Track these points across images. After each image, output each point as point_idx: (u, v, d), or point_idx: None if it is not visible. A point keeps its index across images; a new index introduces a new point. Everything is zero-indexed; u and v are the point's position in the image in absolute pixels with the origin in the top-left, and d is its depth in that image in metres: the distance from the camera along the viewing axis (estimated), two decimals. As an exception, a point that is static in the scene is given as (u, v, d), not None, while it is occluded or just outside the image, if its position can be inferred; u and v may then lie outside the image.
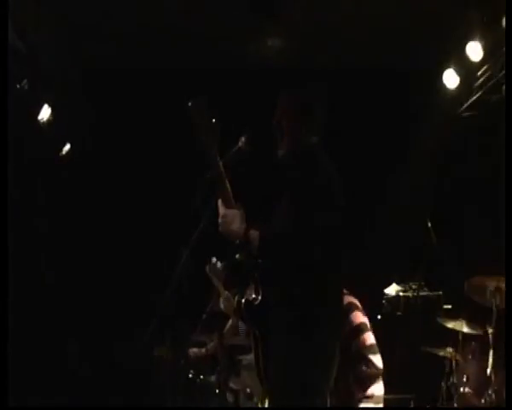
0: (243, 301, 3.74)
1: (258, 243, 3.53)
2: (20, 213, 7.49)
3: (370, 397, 5.22)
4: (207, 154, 3.51)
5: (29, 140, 7.06)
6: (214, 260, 5.57)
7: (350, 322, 5.29)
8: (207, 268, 5.46)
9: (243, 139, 3.74)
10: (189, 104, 3.40)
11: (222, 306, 5.93)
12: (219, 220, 3.61)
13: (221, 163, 3.56)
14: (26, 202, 7.58)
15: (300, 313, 3.55)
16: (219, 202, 3.62)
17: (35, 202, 7.78)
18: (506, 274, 4.38)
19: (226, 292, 5.72)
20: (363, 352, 5.22)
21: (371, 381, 5.20)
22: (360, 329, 5.30)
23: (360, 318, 5.36)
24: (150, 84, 8.15)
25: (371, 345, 5.29)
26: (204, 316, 5.83)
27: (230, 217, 3.59)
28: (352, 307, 5.37)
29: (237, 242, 3.59)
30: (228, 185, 3.61)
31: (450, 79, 7.76)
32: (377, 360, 5.24)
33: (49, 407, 6.50)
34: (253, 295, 3.75)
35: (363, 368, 5.17)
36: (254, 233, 3.55)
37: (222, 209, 3.62)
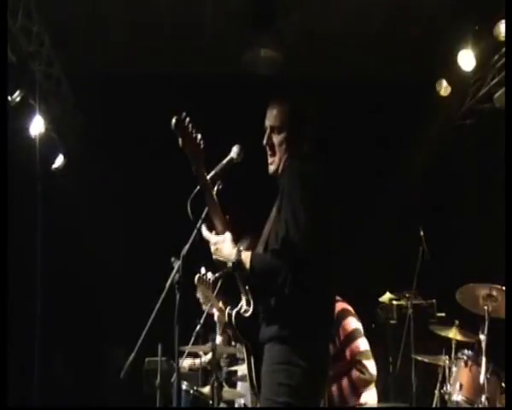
0: (234, 312, 3.75)
1: (249, 264, 3.56)
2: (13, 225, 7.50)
3: (364, 404, 5.22)
4: (194, 171, 3.54)
5: (21, 152, 7.05)
6: (203, 270, 5.61)
7: (343, 328, 5.29)
8: (196, 279, 5.47)
9: (235, 149, 3.76)
10: (172, 123, 3.42)
11: (216, 317, 5.96)
12: (212, 248, 3.67)
13: (208, 178, 3.58)
14: (19, 214, 7.58)
15: (291, 325, 3.56)
16: (207, 232, 3.66)
17: (29, 214, 7.76)
18: (506, 274, 4.39)
19: (220, 303, 5.74)
20: (357, 358, 5.21)
21: (365, 386, 5.21)
22: (354, 335, 5.30)
23: (353, 324, 5.36)
24: (142, 91, 8.16)
25: (365, 350, 5.28)
26: (197, 327, 5.84)
27: (221, 243, 3.65)
28: (345, 314, 5.37)
29: (230, 264, 3.63)
30: (216, 200, 3.64)
31: (443, 88, 7.81)
32: (371, 365, 5.24)
33: (49, 407, 6.47)
34: (245, 307, 3.76)
35: (358, 374, 5.17)
36: (246, 255, 3.59)
37: (212, 237, 3.67)
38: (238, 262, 3.59)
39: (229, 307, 3.79)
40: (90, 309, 8.30)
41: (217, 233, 3.70)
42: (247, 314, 3.73)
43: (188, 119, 3.42)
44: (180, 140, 3.44)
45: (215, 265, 3.85)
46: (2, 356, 3.97)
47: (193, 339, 5.83)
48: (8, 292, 4.28)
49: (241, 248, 3.63)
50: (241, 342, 3.83)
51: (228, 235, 3.66)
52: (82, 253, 8.29)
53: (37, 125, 7.14)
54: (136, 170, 8.47)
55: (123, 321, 7.85)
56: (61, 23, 7.23)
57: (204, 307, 5.86)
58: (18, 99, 6.75)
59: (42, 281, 7.42)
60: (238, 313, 3.74)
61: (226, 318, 3.79)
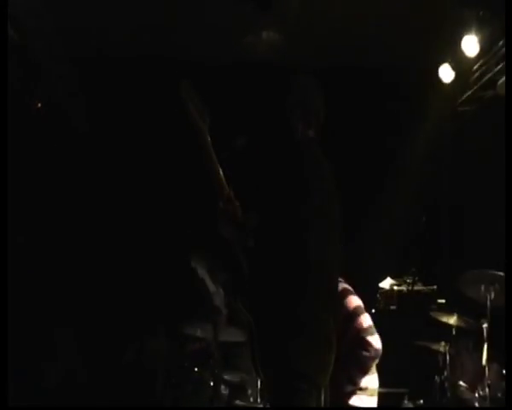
0: (237, 283, 3.74)
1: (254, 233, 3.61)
2: (16, 209, 7.49)
3: (364, 389, 5.23)
4: (198, 134, 3.53)
5: (23, 134, 7.03)
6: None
7: (345, 307, 5.30)
8: (192, 262, 5.49)
9: (240, 138, 3.77)
10: (179, 87, 3.41)
11: (213, 300, 5.98)
12: (219, 222, 3.70)
13: (211, 146, 3.58)
14: (23, 197, 7.56)
15: (291, 302, 3.56)
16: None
17: (32, 198, 7.75)
18: (506, 273, 4.41)
19: (214, 286, 5.77)
20: (361, 334, 5.22)
21: (372, 363, 5.22)
22: (356, 312, 5.31)
23: (355, 301, 5.37)
24: (144, 75, 8.12)
25: (368, 326, 5.30)
26: (198, 309, 5.85)
27: (229, 216, 3.69)
28: (345, 293, 5.39)
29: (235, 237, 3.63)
30: (220, 169, 3.64)
31: (446, 74, 7.77)
32: (375, 340, 5.25)
33: (50, 407, 6.45)
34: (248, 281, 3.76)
35: (364, 352, 5.18)
36: (250, 222, 3.59)
37: (221, 212, 3.70)
38: (243, 230, 3.63)
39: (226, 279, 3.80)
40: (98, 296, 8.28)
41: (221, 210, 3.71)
42: (249, 288, 3.73)
43: (192, 85, 3.43)
44: (185, 106, 3.44)
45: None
46: (3, 356, 3.95)
47: (194, 320, 5.86)
48: (8, 289, 4.25)
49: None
50: (244, 315, 3.81)
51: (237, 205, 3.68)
52: (88, 240, 8.26)
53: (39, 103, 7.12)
54: (140, 153, 8.43)
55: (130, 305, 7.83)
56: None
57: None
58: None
59: (48, 262, 7.45)
60: (239, 283, 3.74)
61: (231, 287, 3.77)
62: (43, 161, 7.70)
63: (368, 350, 5.20)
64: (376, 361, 5.30)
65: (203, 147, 3.55)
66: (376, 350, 5.24)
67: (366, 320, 5.33)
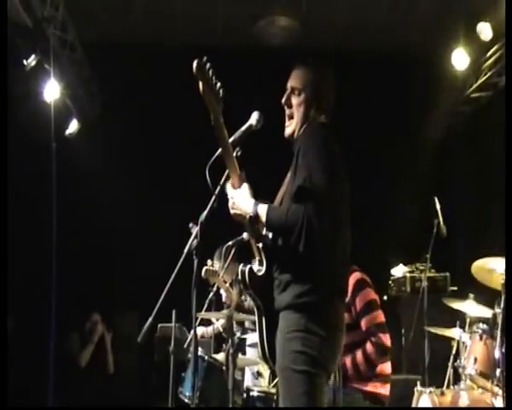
0: (247, 269, 3.73)
1: (266, 216, 3.58)
2: (25, 194, 7.50)
3: (379, 375, 5.22)
4: (212, 115, 3.52)
5: (36, 117, 7.02)
6: (210, 262, 5.76)
7: (360, 299, 5.27)
8: (203, 272, 5.60)
9: (254, 116, 3.77)
10: (194, 66, 3.39)
11: (223, 298, 6.02)
12: (229, 203, 3.70)
13: (224, 127, 3.57)
14: (31, 181, 7.57)
15: (307, 292, 3.55)
16: (228, 185, 3.66)
17: (40, 181, 7.74)
18: (506, 272, 4.39)
19: (227, 284, 5.81)
20: (372, 329, 5.20)
21: (380, 359, 5.20)
22: (371, 306, 5.28)
23: (371, 295, 5.35)
24: (158, 60, 8.12)
25: (381, 323, 5.27)
26: (210, 295, 5.86)
27: (239, 196, 3.66)
28: (363, 284, 5.36)
29: (247, 218, 3.62)
30: (231, 151, 3.63)
31: (460, 59, 7.72)
32: (386, 338, 5.23)
33: (50, 407, 6.44)
34: (258, 267, 3.75)
35: (372, 347, 5.16)
36: (263, 208, 3.58)
37: (230, 191, 3.70)
38: (255, 214, 3.61)
39: (242, 264, 3.78)
40: (106, 275, 8.30)
41: (234, 188, 3.71)
42: (260, 273, 3.72)
43: (209, 64, 3.41)
44: (200, 85, 3.42)
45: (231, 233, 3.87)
46: (3, 356, 3.95)
47: (206, 306, 5.86)
48: (8, 287, 4.25)
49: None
50: (254, 301, 3.79)
51: (245, 188, 3.69)
52: (96, 219, 8.27)
53: (51, 90, 7.10)
54: (151, 136, 8.43)
55: (138, 288, 7.85)
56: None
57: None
58: (33, 63, 6.72)
59: (56, 247, 7.43)
60: (251, 270, 3.73)
61: (239, 275, 3.76)
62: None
63: (377, 346, 5.18)
64: (385, 356, 5.28)
65: (216, 128, 3.54)
66: (385, 347, 5.22)
67: (380, 316, 5.32)
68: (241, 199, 3.67)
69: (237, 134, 3.73)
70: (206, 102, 3.47)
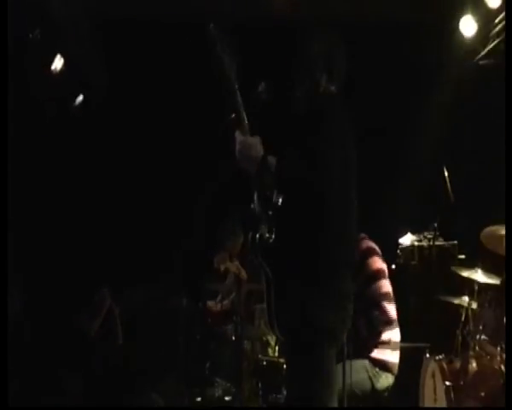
0: (258, 236, 3.71)
1: (275, 168, 3.54)
2: (31, 166, 7.51)
3: (387, 343, 5.24)
4: (226, 78, 3.51)
5: (41, 90, 7.02)
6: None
7: (367, 267, 5.28)
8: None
9: (262, 85, 3.75)
10: (211, 26, 3.41)
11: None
12: (237, 147, 3.61)
13: (238, 92, 3.56)
14: (36, 154, 7.57)
15: (314, 254, 3.55)
16: (237, 131, 3.62)
17: (46, 154, 7.76)
18: (506, 271, 4.38)
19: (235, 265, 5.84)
20: (377, 298, 5.21)
21: (382, 328, 5.21)
22: (377, 275, 5.29)
23: (378, 263, 5.35)
24: (165, 35, 8.06)
25: (386, 292, 5.28)
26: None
27: (249, 143, 3.60)
28: (370, 252, 5.37)
29: (255, 169, 3.58)
30: (244, 116, 3.61)
31: (468, 26, 7.66)
32: (391, 308, 5.24)
33: (49, 407, 6.47)
34: (267, 234, 3.73)
35: (376, 314, 5.17)
36: (272, 159, 3.56)
37: (240, 137, 3.63)
38: (264, 164, 3.54)
39: (252, 232, 3.76)
40: (116, 249, 8.31)
41: None
42: (270, 241, 3.71)
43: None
44: (215, 46, 3.43)
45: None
46: (3, 356, 3.97)
47: (214, 275, 5.91)
48: (8, 286, 4.26)
49: None
50: (263, 269, 3.79)
51: (257, 138, 3.62)
52: (103, 194, 8.28)
53: (57, 64, 7.09)
54: (158, 109, 8.40)
55: (148, 262, 7.87)
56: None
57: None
58: (39, 37, 6.70)
59: (65, 220, 7.48)
60: (262, 237, 3.71)
61: (249, 241, 3.74)
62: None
63: (381, 315, 5.19)
64: (390, 326, 5.29)
65: (229, 94, 3.53)
66: (390, 317, 5.23)
67: (385, 286, 5.32)
68: (251, 145, 3.60)
69: (246, 103, 3.72)
70: (221, 64, 3.47)
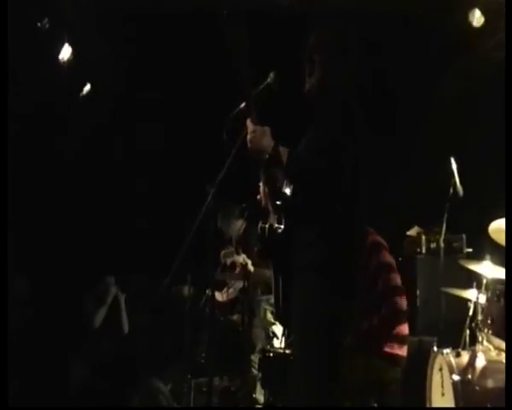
0: (267, 226, 3.70)
1: (286, 158, 3.53)
2: (38, 154, 7.51)
3: (396, 336, 5.23)
4: (238, 63, 3.50)
5: (49, 79, 7.01)
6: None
7: (376, 261, 5.27)
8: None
9: (272, 75, 3.75)
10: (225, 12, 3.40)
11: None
12: (249, 136, 3.60)
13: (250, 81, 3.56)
14: (43, 143, 7.57)
15: (323, 244, 3.53)
16: (248, 120, 3.61)
17: (53, 143, 7.76)
18: (506, 273, 4.37)
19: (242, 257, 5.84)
20: (387, 292, 5.20)
21: (395, 321, 5.20)
22: (386, 268, 5.28)
23: (386, 257, 5.34)
24: (172, 25, 8.04)
25: (396, 286, 5.27)
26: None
27: (260, 132, 3.59)
28: (378, 246, 5.35)
29: (265, 156, 3.57)
30: (255, 106, 3.61)
31: (476, 18, 7.63)
32: (401, 301, 5.23)
33: (49, 407, 6.49)
34: (276, 225, 3.72)
35: (388, 309, 5.16)
36: (283, 149, 3.54)
37: (251, 126, 3.62)
38: (275, 154, 3.53)
39: (261, 222, 3.76)
40: (120, 237, 8.32)
41: None
42: (279, 231, 3.70)
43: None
44: (230, 35, 3.42)
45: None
46: (3, 356, 3.96)
47: (220, 269, 5.90)
48: (8, 287, 4.25)
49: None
50: (272, 260, 3.78)
51: (268, 128, 3.61)
52: (109, 182, 8.28)
53: (65, 53, 7.08)
54: (166, 100, 8.39)
55: (152, 250, 7.87)
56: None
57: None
58: (47, 26, 6.69)
59: (70, 209, 7.48)
60: (271, 227, 3.70)
61: (259, 231, 3.73)
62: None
63: (392, 309, 5.19)
64: (401, 319, 5.28)
65: (241, 82, 3.52)
66: (400, 310, 5.22)
67: (394, 279, 5.31)
68: (262, 135, 3.59)
69: (256, 92, 3.71)
70: (234, 51, 3.46)
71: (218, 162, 3.75)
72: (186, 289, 5.56)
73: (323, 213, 3.51)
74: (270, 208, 3.75)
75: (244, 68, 3.50)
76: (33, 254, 6.95)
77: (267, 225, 3.69)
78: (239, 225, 6.10)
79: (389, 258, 5.37)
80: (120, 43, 8.01)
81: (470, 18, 7.64)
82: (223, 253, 5.78)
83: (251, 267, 5.67)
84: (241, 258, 5.89)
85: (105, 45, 8.03)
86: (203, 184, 5.20)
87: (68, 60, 7.11)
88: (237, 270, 6.04)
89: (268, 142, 3.56)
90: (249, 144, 3.60)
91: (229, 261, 5.92)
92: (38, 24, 6.64)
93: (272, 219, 3.74)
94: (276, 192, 3.69)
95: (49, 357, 5.91)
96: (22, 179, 6.53)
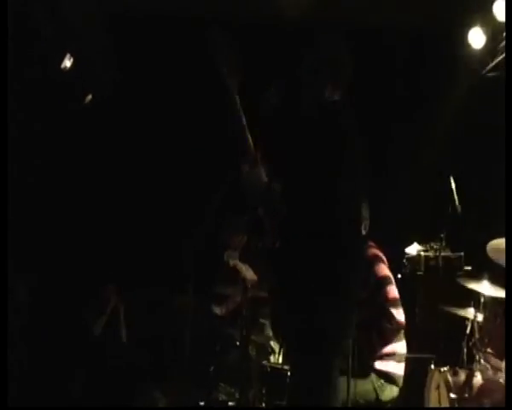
0: (261, 244, 3.72)
1: (279, 197, 3.55)
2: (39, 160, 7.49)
3: (392, 354, 5.23)
4: (227, 87, 3.51)
5: (50, 88, 7.00)
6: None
7: (374, 274, 5.29)
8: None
9: (271, 90, 3.76)
10: (208, 34, 3.41)
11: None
12: (242, 180, 3.66)
13: (240, 104, 3.56)
14: (45, 149, 7.56)
15: (320, 263, 3.54)
16: (242, 165, 3.65)
17: (54, 150, 7.75)
18: (506, 272, 4.37)
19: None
20: (385, 305, 5.21)
21: (393, 336, 5.21)
22: (384, 281, 5.30)
23: (384, 270, 5.36)
24: (175, 33, 8.06)
25: (394, 298, 5.28)
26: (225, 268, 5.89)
27: (253, 176, 3.61)
28: (376, 260, 5.37)
29: (260, 198, 3.61)
30: (246, 125, 3.62)
31: (476, 38, 7.65)
32: (399, 314, 5.24)
33: (49, 407, 6.47)
34: (271, 242, 3.73)
35: (386, 324, 5.16)
36: (277, 187, 3.56)
37: (245, 168, 3.68)
38: (269, 192, 3.60)
39: (258, 242, 3.77)
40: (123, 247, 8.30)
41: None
42: (275, 248, 3.70)
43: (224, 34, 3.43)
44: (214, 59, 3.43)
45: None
46: (3, 356, 3.96)
47: (222, 279, 5.89)
48: (8, 287, 4.25)
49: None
50: (268, 277, 3.80)
51: (261, 169, 3.67)
52: (111, 191, 8.26)
53: (67, 62, 7.08)
54: (168, 106, 8.38)
55: (152, 261, 7.86)
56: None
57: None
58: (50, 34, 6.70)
59: (71, 216, 7.46)
60: (266, 244, 3.72)
61: (254, 247, 3.76)
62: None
63: (390, 322, 5.19)
64: (399, 334, 5.29)
65: (230, 104, 3.53)
66: (398, 323, 5.23)
67: (392, 291, 5.32)
68: (255, 179, 3.67)
69: (254, 107, 3.72)
70: (221, 77, 3.47)
71: (222, 172, 3.75)
72: (187, 302, 5.55)
73: (318, 233, 3.52)
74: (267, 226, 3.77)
75: (233, 97, 3.52)
76: (35, 260, 6.93)
77: (261, 243, 3.72)
78: (241, 237, 6.10)
79: (386, 271, 5.39)
80: (123, 51, 8.02)
81: (470, 38, 7.66)
82: (226, 253, 5.77)
83: (252, 276, 5.67)
84: (244, 267, 5.89)
85: (108, 53, 8.03)
86: (207, 194, 5.23)
87: (70, 68, 7.10)
88: (238, 275, 6.03)
89: (261, 184, 3.65)
90: (243, 188, 3.71)
91: (231, 262, 5.90)
92: (42, 31, 6.65)
93: (268, 236, 3.76)
94: (272, 213, 3.71)
95: (48, 363, 5.89)
96: (23, 186, 6.50)
